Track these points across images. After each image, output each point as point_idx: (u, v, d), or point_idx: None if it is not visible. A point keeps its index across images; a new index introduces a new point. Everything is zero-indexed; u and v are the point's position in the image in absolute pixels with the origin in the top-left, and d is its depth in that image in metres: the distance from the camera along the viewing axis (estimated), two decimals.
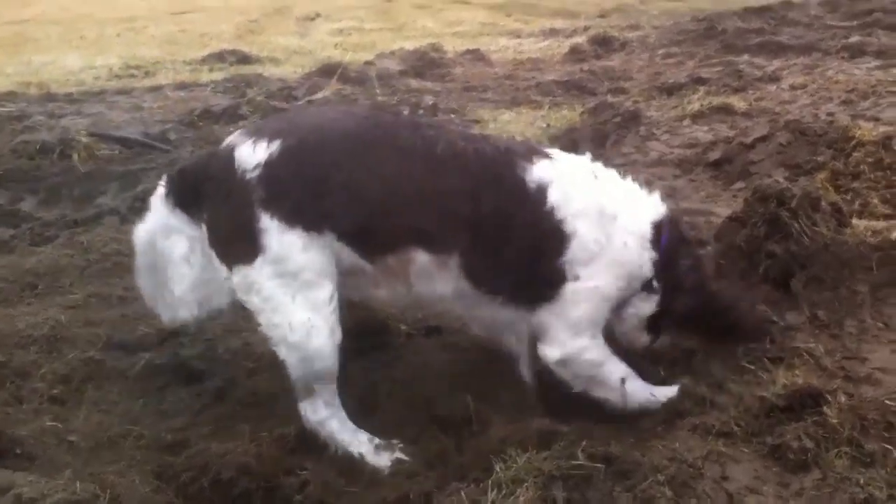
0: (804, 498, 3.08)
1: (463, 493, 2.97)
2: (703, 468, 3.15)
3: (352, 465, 3.55)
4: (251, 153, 3.50)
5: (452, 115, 9.67)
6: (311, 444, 3.65)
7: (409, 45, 14.98)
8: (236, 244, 3.54)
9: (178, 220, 3.76)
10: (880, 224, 4.79)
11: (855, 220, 4.82)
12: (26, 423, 3.76)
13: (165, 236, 3.81)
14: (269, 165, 3.47)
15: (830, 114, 8.04)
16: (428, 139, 3.60)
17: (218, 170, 3.60)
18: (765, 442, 3.33)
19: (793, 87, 9.83)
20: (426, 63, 13.32)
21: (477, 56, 14.26)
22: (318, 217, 3.47)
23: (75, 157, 8.07)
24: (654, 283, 3.77)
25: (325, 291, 3.52)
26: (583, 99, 10.36)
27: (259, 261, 3.47)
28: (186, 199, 3.72)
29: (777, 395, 3.48)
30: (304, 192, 3.47)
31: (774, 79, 10.40)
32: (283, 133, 3.56)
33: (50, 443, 3.67)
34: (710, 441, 3.34)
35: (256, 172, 3.46)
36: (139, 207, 6.86)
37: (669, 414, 3.68)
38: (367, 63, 13.05)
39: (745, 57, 11.96)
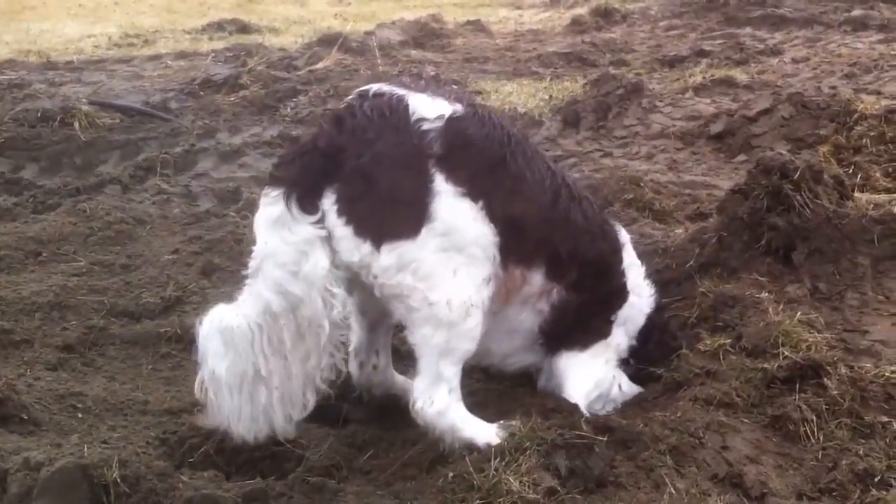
0: (804, 468, 3.12)
1: (467, 460, 3.00)
2: (703, 438, 3.18)
3: (354, 434, 3.57)
4: (431, 104, 3.21)
5: (454, 86, 9.64)
6: (317, 412, 3.67)
7: (410, 16, 14.89)
8: (396, 210, 3.17)
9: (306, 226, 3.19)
10: (882, 197, 4.81)
11: (857, 194, 4.84)
12: (32, 389, 3.79)
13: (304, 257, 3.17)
14: (455, 120, 3.20)
15: (833, 87, 8.02)
16: (561, 171, 3.65)
17: (377, 117, 3.20)
18: (765, 413, 3.37)
19: (795, 61, 9.80)
20: (427, 33, 13.25)
21: (477, 27, 14.19)
22: (485, 191, 3.23)
23: (76, 125, 8.04)
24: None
25: (486, 271, 3.27)
26: (584, 71, 10.31)
27: (424, 232, 3.14)
28: (309, 187, 3.18)
29: (778, 366, 3.50)
30: (485, 159, 3.25)
31: (776, 52, 10.36)
32: (461, 98, 3.35)
33: (55, 408, 3.70)
34: (711, 412, 3.37)
35: (438, 125, 3.16)
36: (140, 176, 6.95)
37: (670, 385, 3.70)
38: (368, 33, 12.97)
39: (748, 29, 11.91)
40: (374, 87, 3.31)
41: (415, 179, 3.14)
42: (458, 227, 3.17)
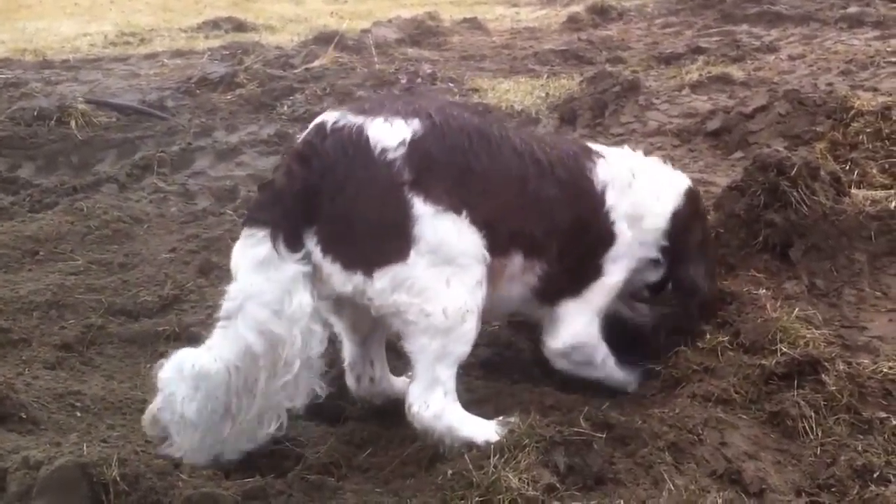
0: (803, 464, 3.13)
1: (466, 458, 3.01)
2: (702, 434, 3.18)
3: (352, 433, 3.57)
4: (389, 130, 3.20)
5: (451, 84, 9.64)
6: (315, 410, 3.67)
7: (406, 14, 14.88)
8: (382, 241, 3.20)
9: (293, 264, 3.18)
10: (879, 194, 4.81)
11: (854, 190, 4.84)
12: (30, 388, 3.78)
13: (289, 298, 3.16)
14: (416, 142, 3.20)
15: (829, 84, 8.02)
16: (528, 143, 3.59)
17: (341, 155, 3.18)
18: (763, 409, 3.38)
19: (791, 58, 9.80)
20: (423, 31, 13.24)
21: (474, 25, 14.18)
22: (460, 201, 3.24)
23: (73, 124, 8.04)
24: (661, 260, 3.91)
25: (478, 275, 3.30)
26: (581, 68, 10.31)
27: (413, 254, 3.17)
28: (292, 228, 3.19)
29: (776, 362, 3.50)
30: (452, 172, 3.25)
31: (773, 49, 10.36)
32: (416, 111, 3.31)
33: (54, 407, 3.69)
34: (710, 408, 3.37)
35: (401, 151, 3.17)
36: (137, 175, 6.94)
37: (669, 382, 3.71)
38: (364, 31, 12.96)
39: (744, 27, 11.90)
40: (330, 119, 3.28)
41: (393, 209, 3.17)
42: (445, 242, 3.20)
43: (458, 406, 3.34)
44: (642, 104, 8.17)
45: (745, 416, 3.35)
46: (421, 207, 3.17)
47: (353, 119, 3.24)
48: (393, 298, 3.21)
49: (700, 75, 8.98)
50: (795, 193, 4.43)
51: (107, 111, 8.61)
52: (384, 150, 3.16)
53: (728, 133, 7.01)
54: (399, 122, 3.23)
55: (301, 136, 3.41)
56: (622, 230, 3.75)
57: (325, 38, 12.02)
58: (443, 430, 3.26)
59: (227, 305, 3.18)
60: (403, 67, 10.47)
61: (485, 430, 3.25)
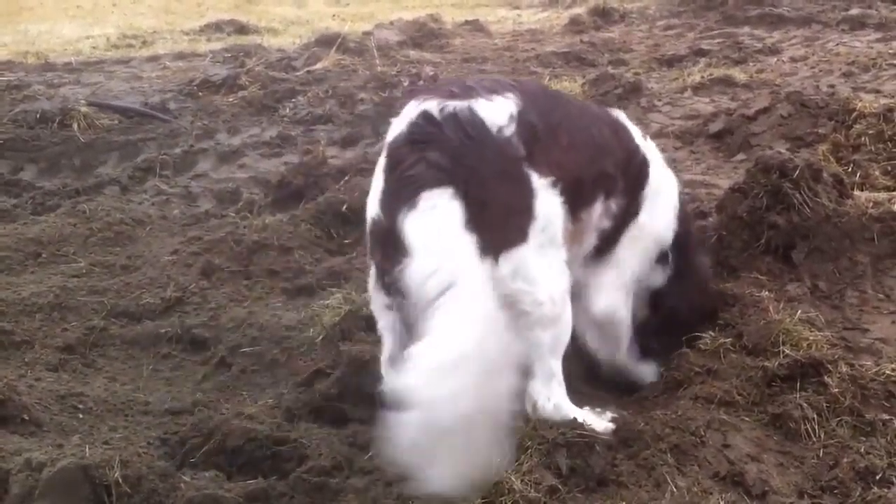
0: (805, 466, 3.13)
1: None
2: (704, 436, 3.18)
3: (355, 434, 3.57)
4: (496, 108, 3.18)
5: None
6: (316, 412, 3.67)
7: (408, 16, 14.86)
8: (509, 221, 3.14)
9: None
10: (881, 195, 4.81)
11: (856, 192, 4.85)
12: (33, 390, 3.78)
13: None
14: (521, 116, 3.18)
15: (831, 86, 8.03)
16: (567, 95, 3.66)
17: (465, 138, 3.10)
18: (766, 411, 3.38)
19: (793, 60, 9.82)
20: (425, 34, 13.22)
21: (476, 27, 14.17)
22: (552, 172, 3.21)
23: (75, 126, 8.02)
24: (669, 256, 3.89)
25: (565, 252, 3.29)
26: (583, 70, 10.30)
27: (531, 233, 3.13)
28: None
29: (778, 364, 3.50)
30: (549, 138, 3.25)
31: (775, 51, 10.37)
32: (503, 86, 3.30)
33: (56, 409, 3.70)
34: (712, 410, 3.37)
35: (512, 127, 3.15)
36: (140, 177, 6.95)
37: (671, 384, 3.71)
38: (366, 34, 12.95)
39: (746, 29, 11.91)
40: (432, 106, 3.17)
41: (518, 186, 3.13)
42: (552, 218, 3.18)
43: (567, 397, 3.34)
44: (644, 106, 8.19)
45: (747, 418, 3.36)
46: (537, 181, 3.15)
47: (457, 103, 3.17)
48: (512, 286, 3.11)
49: (702, 77, 8.98)
50: (798, 195, 4.43)
51: (109, 113, 8.59)
52: (500, 128, 3.13)
53: (730, 135, 7.01)
54: (499, 99, 3.21)
55: (398, 129, 3.24)
56: (652, 170, 3.76)
57: (326, 41, 12.01)
58: (561, 422, 3.22)
59: (430, 284, 2.85)
60: (405, 70, 10.47)
61: (599, 422, 3.27)
